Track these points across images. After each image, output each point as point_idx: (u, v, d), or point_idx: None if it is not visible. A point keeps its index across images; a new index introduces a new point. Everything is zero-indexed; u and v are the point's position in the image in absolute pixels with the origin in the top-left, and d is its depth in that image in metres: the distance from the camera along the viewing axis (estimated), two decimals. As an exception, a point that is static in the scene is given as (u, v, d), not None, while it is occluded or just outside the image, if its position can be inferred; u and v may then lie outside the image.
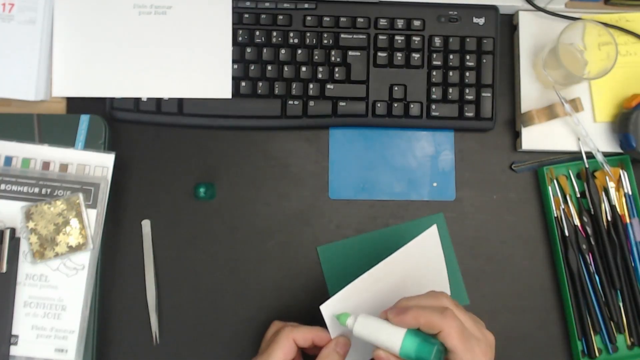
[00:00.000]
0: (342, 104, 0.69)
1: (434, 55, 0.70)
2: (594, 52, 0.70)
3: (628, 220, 0.70)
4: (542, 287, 0.71)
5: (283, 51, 0.69)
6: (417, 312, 0.51)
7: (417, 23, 0.70)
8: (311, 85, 0.69)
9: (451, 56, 0.70)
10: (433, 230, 0.59)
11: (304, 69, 0.69)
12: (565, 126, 0.71)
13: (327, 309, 0.54)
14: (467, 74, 0.70)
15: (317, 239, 0.70)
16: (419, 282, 0.60)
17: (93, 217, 0.65)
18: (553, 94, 0.70)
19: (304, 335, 0.56)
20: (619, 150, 0.70)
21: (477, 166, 0.72)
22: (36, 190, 0.65)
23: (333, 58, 0.70)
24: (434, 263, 0.61)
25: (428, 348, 0.50)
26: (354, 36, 0.70)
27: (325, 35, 0.70)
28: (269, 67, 0.69)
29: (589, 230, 0.70)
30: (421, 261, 0.59)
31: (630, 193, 0.70)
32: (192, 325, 0.68)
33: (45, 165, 0.66)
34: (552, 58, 0.67)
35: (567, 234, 0.69)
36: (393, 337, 0.51)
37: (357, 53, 0.70)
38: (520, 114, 0.71)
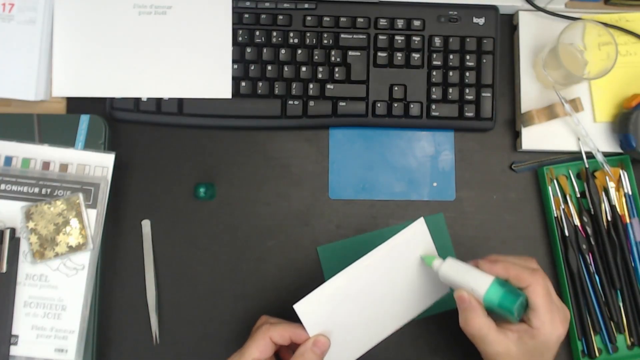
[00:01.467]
0: (342, 104, 0.69)
1: (434, 55, 0.70)
2: (594, 52, 0.70)
3: (628, 220, 0.70)
4: (542, 287, 0.71)
5: (283, 51, 0.69)
6: (508, 264, 0.54)
7: (417, 23, 0.70)
8: (311, 85, 0.69)
9: (451, 56, 0.70)
10: (420, 224, 0.59)
11: (304, 69, 0.69)
12: (565, 126, 0.71)
13: (301, 307, 0.54)
14: (467, 74, 0.70)
15: (317, 239, 0.70)
16: (411, 280, 0.59)
17: (93, 217, 0.65)
18: (553, 94, 0.70)
19: (281, 333, 0.55)
20: (619, 150, 0.70)
21: (477, 166, 0.72)
22: (36, 190, 0.65)
23: (333, 58, 0.70)
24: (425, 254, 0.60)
25: (512, 298, 0.52)
26: (354, 36, 0.70)
27: (325, 35, 0.70)
28: (269, 67, 0.69)
29: (589, 230, 0.70)
30: (410, 257, 0.59)
31: (630, 193, 0.70)
32: (192, 325, 0.68)
33: (45, 165, 0.66)
34: (552, 58, 0.67)
35: (567, 234, 0.69)
36: (480, 281, 0.53)
37: (357, 53, 0.70)
38: (520, 114, 0.71)
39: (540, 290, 0.52)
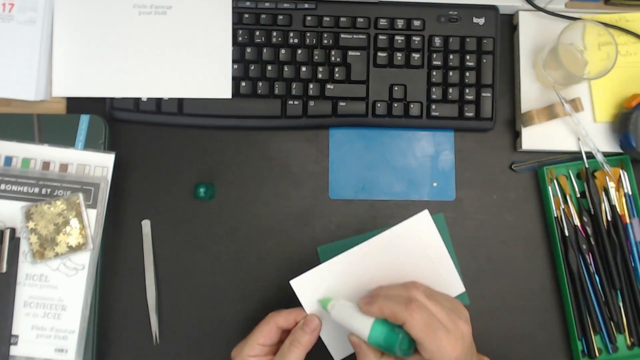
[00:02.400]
0: (342, 104, 0.69)
1: (434, 55, 0.70)
2: (594, 52, 0.70)
3: (628, 220, 0.70)
4: (542, 287, 0.71)
5: (283, 51, 0.69)
6: (383, 302, 0.52)
7: (417, 23, 0.70)
8: (311, 85, 0.69)
9: (451, 56, 0.70)
10: (424, 215, 0.59)
11: (304, 69, 0.69)
12: (565, 126, 0.71)
13: (297, 283, 0.56)
14: (467, 74, 0.70)
15: (317, 239, 0.70)
16: (414, 267, 0.59)
17: (93, 217, 0.65)
18: (553, 94, 0.70)
19: (286, 317, 0.57)
20: (619, 150, 0.70)
21: (477, 166, 0.72)
22: (36, 190, 0.65)
23: (333, 58, 0.70)
24: (432, 249, 0.60)
25: (394, 337, 0.52)
26: (354, 36, 0.70)
27: (325, 35, 0.70)
28: (269, 67, 0.69)
29: (589, 230, 0.70)
30: (413, 247, 0.59)
31: (630, 193, 0.70)
32: (192, 325, 0.68)
33: (45, 165, 0.66)
34: (552, 58, 0.67)
35: (567, 234, 0.69)
36: (363, 325, 0.53)
37: (357, 53, 0.70)
38: (520, 114, 0.71)
39: (416, 324, 0.50)
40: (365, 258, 0.57)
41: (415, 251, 0.59)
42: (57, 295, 0.64)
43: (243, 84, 0.69)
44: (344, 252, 0.56)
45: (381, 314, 0.52)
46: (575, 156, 0.71)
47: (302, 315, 0.57)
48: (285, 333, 0.57)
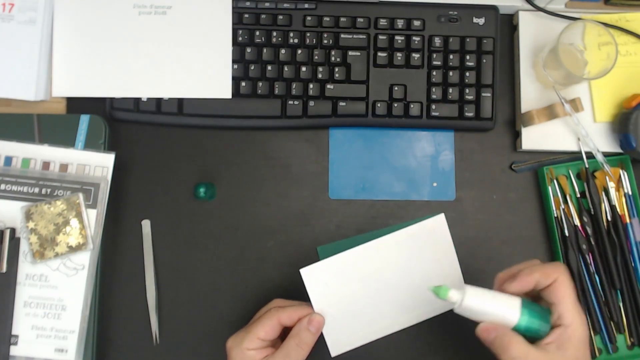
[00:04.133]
0: (342, 104, 0.69)
1: (434, 55, 0.70)
2: (594, 52, 0.70)
3: (628, 220, 0.70)
4: (542, 287, 0.71)
5: (283, 51, 0.69)
6: (529, 270, 0.52)
7: (417, 23, 0.70)
8: (311, 85, 0.69)
9: (451, 56, 0.70)
10: (440, 219, 0.58)
11: (304, 69, 0.69)
12: (565, 126, 0.71)
13: (307, 272, 0.55)
14: (467, 74, 0.70)
15: (317, 239, 0.70)
16: (424, 270, 0.59)
17: (93, 217, 0.65)
18: (553, 94, 0.70)
19: (290, 315, 0.56)
20: (619, 150, 0.70)
21: (477, 166, 0.72)
22: (36, 190, 0.65)
23: (333, 58, 0.70)
24: (442, 253, 0.60)
25: (544, 321, 0.51)
26: (354, 36, 0.70)
27: (325, 35, 0.70)
28: (269, 67, 0.69)
29: (589, 230, 0.70)
30: (426, 248, 0.58)
31: (630, 193, 0.70)
32: (192, 325, 0.68)
33: (45, 165, 0.66)
34: (552, 58, 0.67)
35: (567, 234, 0.69)
36: (509, 307, 0.50)
37: (357, 53, 0.70)
38: (520, 114, 0.71)
39: (567, 282, 0.51)
40: (377, 255, 0.56)
41: (427, 253, 0.58)
42: (57, 295, 0.64)
43: (243, 84, 0.69)
44: (357, 247, 0.56)
45: (532, 281, 0.51)
46: (575, 156, 0.71)
47: (306, 312, 0.57)
48: (286, 328, 0.57)
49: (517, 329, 0.51)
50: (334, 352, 0.59)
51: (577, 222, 0.70)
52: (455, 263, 0.60)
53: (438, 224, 0.58)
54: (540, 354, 0.51)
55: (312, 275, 0.55)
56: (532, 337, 0.51)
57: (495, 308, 0.50)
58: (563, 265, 0.54)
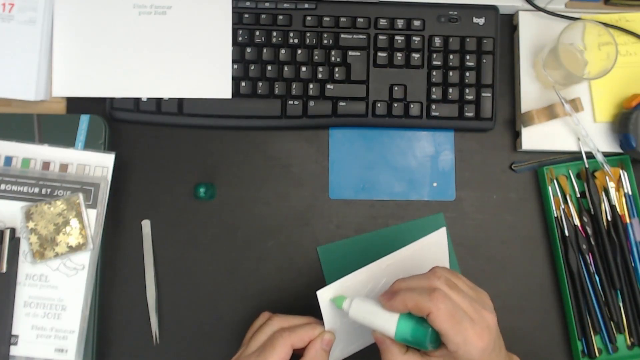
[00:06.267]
0: (342, 104, 0.69)
1: (434, 55, 0.70)
2: (594, 52, 0.70)
3: (628, 220, 0.70)
4: (542, 287, 0.71)
5: (283, 51, 0.69)
6: (405, 295, 0.50)
7: (417, 23, 0.70)
8: (311, 85, 0.69)
9: (451, 56, 0.70)
10: (442, 233, 0.58)
11: (304, 69, 0.69)
12: (565, 126, 0.71)
13: (324, 295, 0.54)
14: (467, 74, 0.70)
15: (317, 239, 0.70)
16: None
17: (93, 217, 0.65)
18: (553, 94, 0.70)
19: (302, 337, 0.55)
20: (619, 150, 0.70)
21: (477, 166, 0.72)
22: (36, 190, 0.65)
23: (333, 58, 0.70)
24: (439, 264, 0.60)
25: (422, 332, 0.50)
26: (354, 36, 0.70)
27: (325, 35, 0.70)
28: (269, 67, 0.69)
29: (589, 230, 0.70)
30: (426, 262, 0.59)
31: (630, 193, 0.70)
32: (192, 325, 0.68)
33: (45, 165, 0.66)
34: (552, 58, 0.67)
35: (567, 234, 0.69)
36: (387, 321, 0.51)
37: (357, 53, 0.70)
38: (520, 114, 0.71)
39: (441, 314, 0.48)
40: (384, 271, 0.56)
41: (426, 265, 0.58)
42: (57, 295, 0.64)
43: (243, 84, 0.69)
44: (367, 266, 0.55)
45: (405, 308, 0.50)
46: (575, 156, 0.71)
47: (316, 331, 0.55)
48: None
49: (404, 341, 0.51)
50: None
51: (577, 222, 0.70)
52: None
53: (441, 236, 0.58)
54: None
55: (327, 297, 0.55)
56: (433, 346, 0.51)
57: (374, 320, 0.52)
58: (438, 290, 0.49)
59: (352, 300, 0.53)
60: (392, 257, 0.56)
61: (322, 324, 0.56)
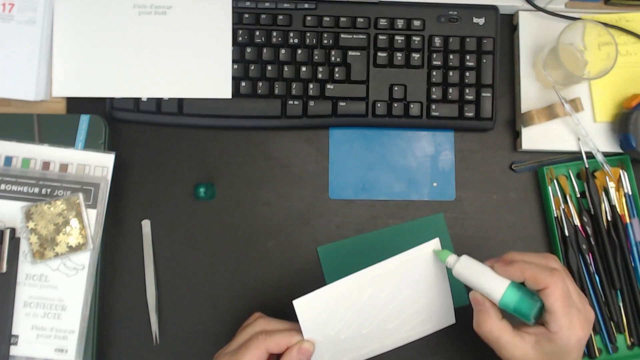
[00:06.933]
0: (342, 104, 0.69)
1: (434, 55, 0.70)
2: (594, 52, 0.70)
3: (628, 220, 0.70)
4: (542, 287, 0.71)
5: (283, 51, 0.69)
6: (525, 265, 0.51)
7: (417, 23, 0.70)
8: (311, 85, 0.69)
9: (451, 56, 0.70)
10: (435, 244, 0.56)
11: (304, 69, 0.69)
12: (565, 126, 0.71)
13: (300, 304, 0.53)
14: (467, 74, 0.70)
15: (317, 239, 0.70)
16: (417, 301, 0.57)
17: (93, 217, 0.65)
18: (553, 94, 0.70)
19: (278, 343, 0.54)
20: (619, 150, 0.70)
21: (477, 166, 0.72)
22: (36, 190, 0.65)
23: (333, 58, 0.70)
24: (434, 278, 0.57)
25: (528, 304, 0.50)
26: (354, 36, 0.70)
27: (325, 35, 0.70)
28: (269, 67, 0.69)
29: (589, 230, 0.70)
30: (418, 274, 0.56)
31: (630, 193, 0.70)
32: (192, 325, 0.68)
33: (45, 165, 0.66)
34: (552, 58, 0.67)
35: (567, 234, 0.69)
36: (496, 284, 0.52)
37: (357, 53, 0.70)
38: (520, 114, 0.71)
39: (557, 292, 0.50)
40: (371, 282, 0.55)
41: (420, 279, 0.57)
42: (57, 295, 0.64)
43: (243, 84, 0.69)
44: (349, 276, 0.54)
45: (521, 277, 0.51)
46: (575, 156, 0.71)
47: (294, 339, 0.55)
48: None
49: (505, 307, 0.52)
50: None
51: (577, 222, 0.70)
52: (446, 289, 0.58)
53: (433, 247, 0.56)
54: (515, 339, 0.52)
55: (305, 306, 0.53)
56: (524, 321, 0.52)
57: (481, 281, 0.52)
58: (558, 270, 0.51)
59: (460, 256, 0.54)
60: (377, 268, 0.54)
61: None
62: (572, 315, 0.50)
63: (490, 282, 0.52)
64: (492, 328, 0.52)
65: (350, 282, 0.54)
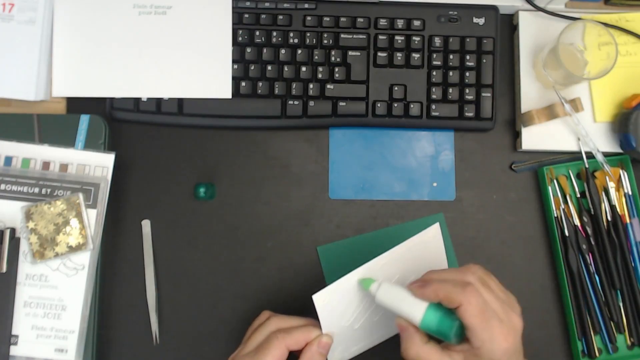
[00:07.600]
0: (342, 104, 0.69)
1: (434, 55, 0.70)
2: (594, 52, 0.70)
3: (628, 220, 0.70)
4: (542, 287, 0.71)
5: (283, 51, 0.69)
6: (438, 285, 0.50)
7: (417, 23, 0.70)
8: (311, 85, 0.69)
9: (451, 56, 0.70)
10: (436, 228, 0.58)
11: (304, 69, 0.69)
12: (565, 126, 0.71)
13: (320, 298, 0.54)
14: (467, 74, 0.70)
15: (317, 239, 0.70)
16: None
17: (93, 217, 0.65)
18: (553, 94, 0.70)
19: (297, 340, 0.55)
20: (619, 150, 0.70)
21: (477, 166, 0.72)
22: (36, 190, 0.65)
23: (333, 58, 0.70)
24: (436, 262, 0.61)
25: (449, 324, 0.50)
26: (354, 36, 0.70)
27: (325, 35, 0.70)
28: (269, 67, 0.69)
29: (589, 230, 0.70)
30: (421, 260, 0.59)
31: (630, 193, 0.70)
32: (192, 325, 0.68)
33: (45, 165, 0.66)
34: (552, 58, 0.67)
35: (567, 234, 0.69)
36: (415, 308, 0.51)
37: (357, 53, 0.70)
38: (520, 114, 0.71)
39: (471, 309, 0.48)
40: (382, 270, 0.56)
41: (422, 262, 0.58)
42: (57, 295, 0.64)
43: (243, 84, 0.69)
44: (362, 266, 0.55)
45: (436, 297, 0.50)
46: (575, 156, 0.71)
47: (312, 333, 0.55)
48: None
49: (427, 330, 0.51)
50: None
51: (577, 222, 0.70)
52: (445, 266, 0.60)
53: (435, 232, 0.58)
54: (441, 357, 0.50)
55: (323, 300, 0.54)
56: (457, 340, 0.51)
57: (402, 306, 0.52)
58: (471, 285, 0.50)
59: (380, 283, 0.53)
60: (387, 256, 0.56)
61: (320, 326, 0.56)
62: (492, 327, 0.49)
63: (410, 306, 0.51)
64: (418, 353, 0.51)
65: (364, 272, 0.55)
